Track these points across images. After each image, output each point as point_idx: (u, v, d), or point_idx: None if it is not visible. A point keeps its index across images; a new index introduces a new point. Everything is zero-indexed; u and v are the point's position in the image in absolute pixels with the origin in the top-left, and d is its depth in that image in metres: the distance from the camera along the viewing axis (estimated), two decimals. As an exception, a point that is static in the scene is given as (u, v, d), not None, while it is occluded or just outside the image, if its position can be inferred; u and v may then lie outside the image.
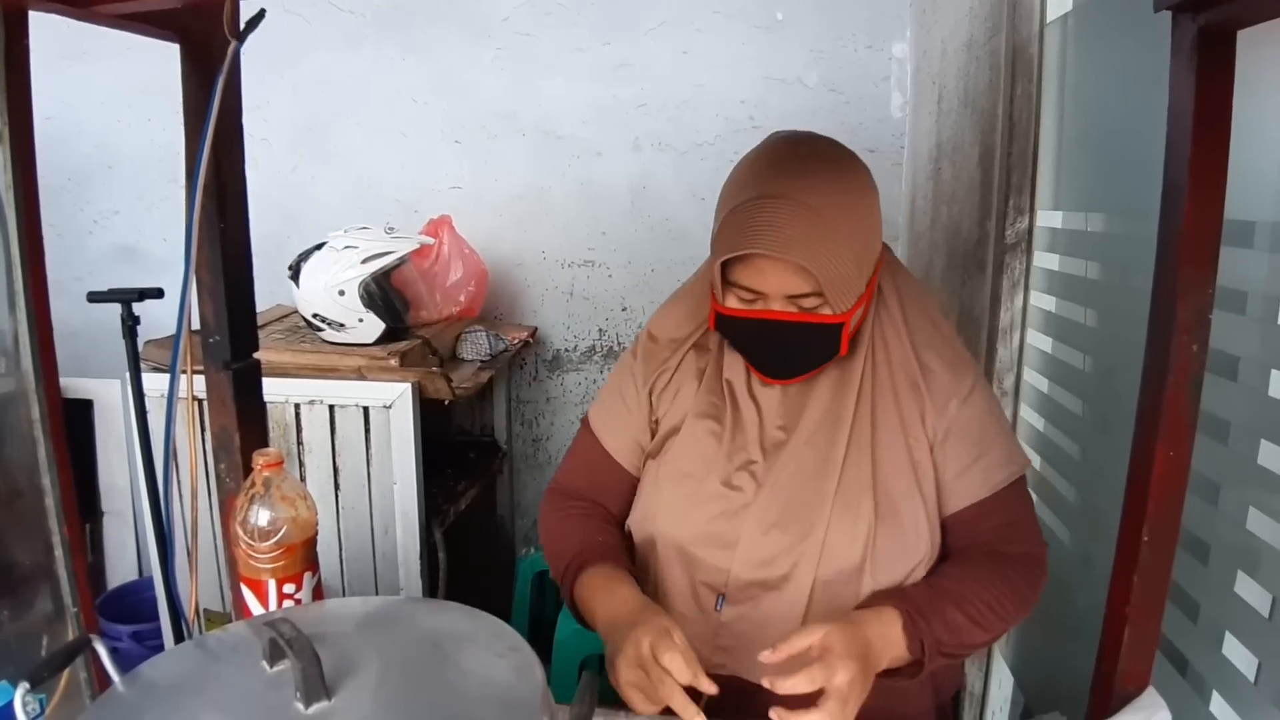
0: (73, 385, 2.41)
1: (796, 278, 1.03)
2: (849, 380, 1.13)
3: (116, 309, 1.77)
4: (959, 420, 1.11)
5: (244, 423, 1.21)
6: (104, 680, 0.71)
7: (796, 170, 1.05)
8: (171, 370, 1.12)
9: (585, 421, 1.29)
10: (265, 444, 1.24)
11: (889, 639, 0.99)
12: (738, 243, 1.02)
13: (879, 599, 1.04)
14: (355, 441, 2.21)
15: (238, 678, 0.67)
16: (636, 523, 1.22)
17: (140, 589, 2.66)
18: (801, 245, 0.99)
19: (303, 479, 2.23)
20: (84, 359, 2.38)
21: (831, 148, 1.10)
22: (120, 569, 2.78)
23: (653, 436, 1.22)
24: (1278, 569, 1.08)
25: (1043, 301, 1.80)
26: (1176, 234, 0.97)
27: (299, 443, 2.24)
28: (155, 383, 1.97)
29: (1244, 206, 1.13)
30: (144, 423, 1.82)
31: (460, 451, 2.69)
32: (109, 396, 2.66)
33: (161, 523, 1.52)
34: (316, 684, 0.62)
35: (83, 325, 2.11)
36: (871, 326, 1.15)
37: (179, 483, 1.67)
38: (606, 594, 1.09)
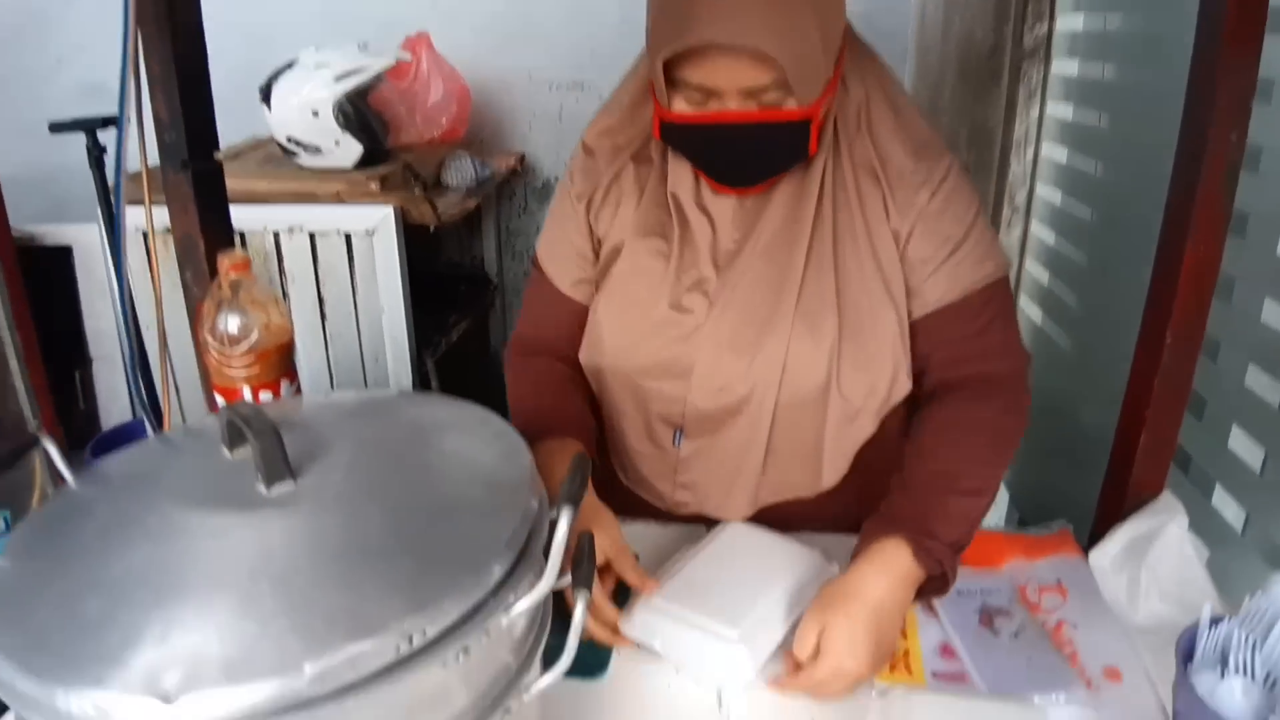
0: (49, 232, 2.29)
1: (755, 68, 0.86)
2: (809, 183, 0.99)
3: (89, 152, 1.69)
4: (927, 213, 0.97)
5: (207, 227, 1.13)
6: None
7: None
8: (117, 165, 1.03)
9: (534, 260, 1.15)
10: (231, 247, 1.17)
11: (902, 577, 0.87)
12: (681, 33, 0.85)
13: (874, 528, 0.91)
14: (339, 270, 2.13)
15: (196, 466, 0.62)
16: (585, 357, 1.11)
17: (133, 431, 2.62)
18: (759, 27, 0.83)
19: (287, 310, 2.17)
20: (60, 205, 2.26)
21: None
22: (114, 414, 2.74)
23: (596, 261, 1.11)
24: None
25: (1060, 111, 1.69)
26: (1219, 7, 0.87)
27: (281, 273, 2.17)
28: (128, 217, 1.88)
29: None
30: (118, 255, 1.75)
31: (450, 285, 2.61)
32: (87, 241, 2.54)
33: (131, 339, 1.46)
34: (278, 462, 0.56)
35: (57, 168, 1.99)
36: (835, 121, 0.99)
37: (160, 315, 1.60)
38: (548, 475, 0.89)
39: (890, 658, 0.86)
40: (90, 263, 2.56)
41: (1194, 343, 0.99)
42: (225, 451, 0.61)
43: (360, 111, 2.12)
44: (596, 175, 1.07)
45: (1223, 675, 0.72)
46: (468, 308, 2.53)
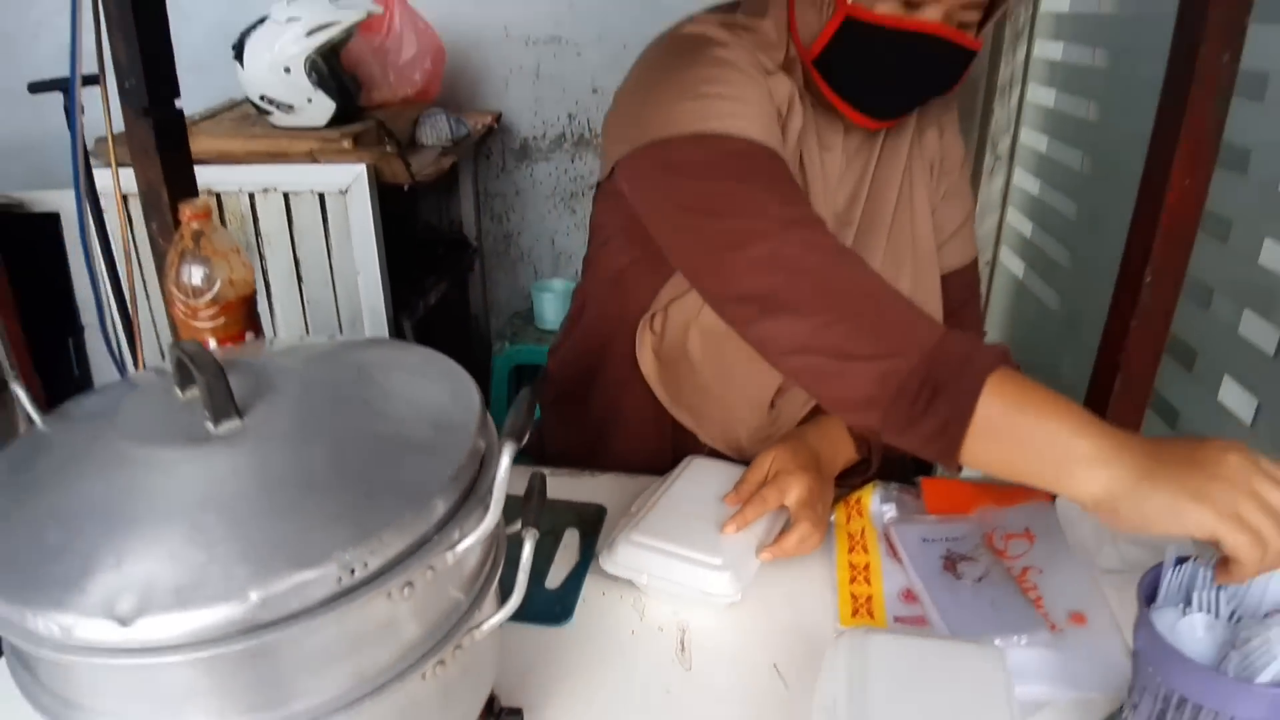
0: (36, 199, 2.27)
1: None
2: (902, 135, 1.01)
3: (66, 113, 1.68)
4: (949, 188, 1.05)
5: (170, 176, 1.11)
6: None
7: None
8: (70, 117, 1.00)
9: (725, 139, 0.83)
10: (195, 197, 1.14)
11: (835, 441, 0.98)
12: None
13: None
14: (314, 230, 2.11)
15: (150, 406, 0.60)
16: (679, 311, 0.98)
17: (121, 393, 2.63)
18: None
19: (263, 272, 2.15)
20: (45, 171, 2.23)
21: None
22: (105, 379, 2.73)
23: None
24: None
25: (1048, 50, 1.66)
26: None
27: (257, 234, 2.15)
28: (103, 179, 1.85)
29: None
30: (98, 212, 1.73)
31: (428, 248, 2.59)
32: (74, 208, 2.53)
33: (100, 297, 1.44)
34: (224, 400, 0.55)
35: (42, 135, 1.97)
36: None
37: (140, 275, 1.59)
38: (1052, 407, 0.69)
39: (829, 504, 0.96)
40: (77, 229, 2.54)
41: (1175, 282, 0.98)
42: (177, 392, 0.60)
43: (333, 68, 2.11)
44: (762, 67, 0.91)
45: (1185, 614, 0.71)
46: (446, 271, 2.51)
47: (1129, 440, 0.65)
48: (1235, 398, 1.12)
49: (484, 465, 0.57)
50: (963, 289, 1.07)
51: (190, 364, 0.55)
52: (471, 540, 0.53)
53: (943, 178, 1.05)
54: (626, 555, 0.88)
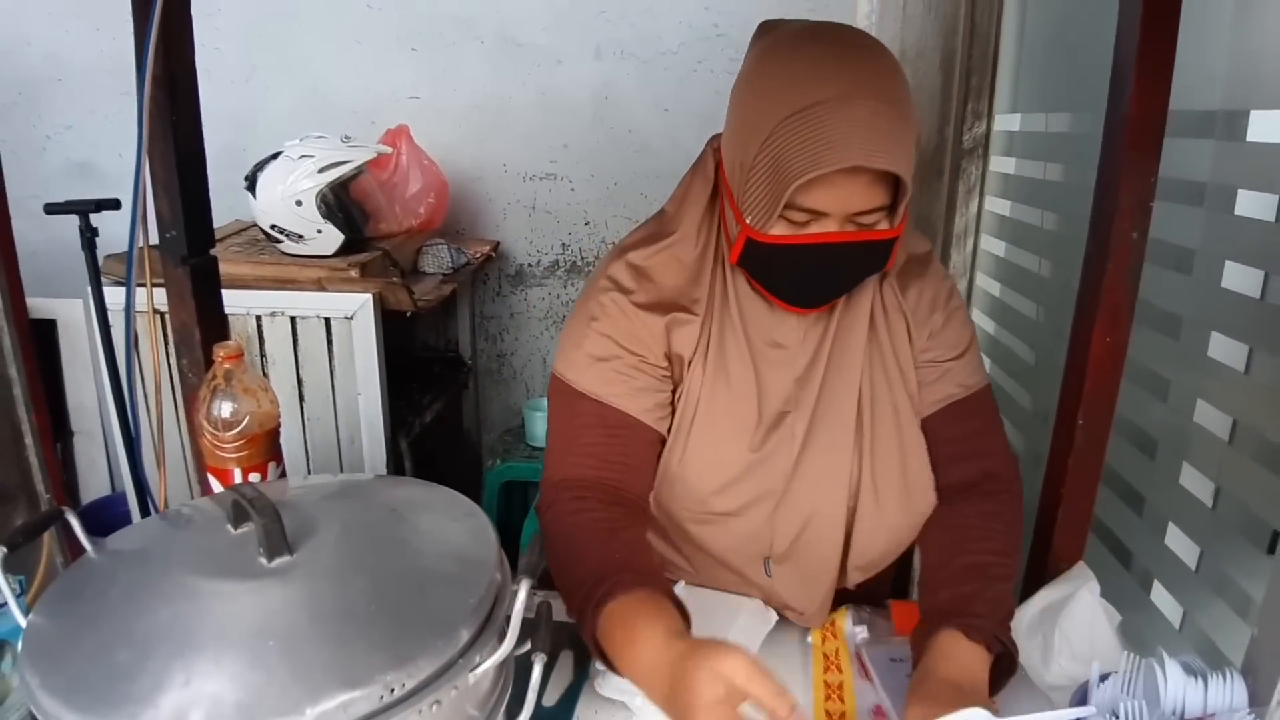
0: (35, 306, 2.35)
1: (875, 190, 0.89)
2: (860, 297, 1.04)
3: (75, 227, 1.76)
4: (936, 325, 1.06)
5: (204, 318, 1.22)
6: (77, 553, 0.73)
7: (860, 62, 0.88)
8: (128, 258, 1.12)
9: (564, 384, 1.06)
10: (225, 338, 1.25)
11: (966, 663, 0.88)
12: (820, 158, 0.84)
13: (919, 637, 0.94)
14: (318, 353, 2.21)
15: (204, 540, 0.69)
16: (655, 499, 1.10)
17: (113, 504, 2.67)
18: (893, 149, 0.85)
19: (266, 392, 2.23)
20: (45, 279, 2.33)
21: (861, 33, 0.94)
22: (93, 487, 2.78)
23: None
24: (1222, 460, 1.12)
25: (997, 206, 1.83)
26: (1121, 119, 0.99)
27: (262, 355, 2.24)
28: (116, 296, 1.94)
29: (1194, 97, 1.16)
30: (107, 335, 1.82)
31: (425, 366, 2.70)
32: (72, 315, 2.62)
33: (126, 417, 1.52)
34: (278, 539, 0.64)
35: (41, 244, 2.07)
36: None
37: (144, 392, 1.67)
38: (644, 631, 0.84)
39: None
40: (73, 337, 2.63)
41: (1104, 423, 1.09)
42: (229, 528, 0.69)
43: (342, 201, 2.22)
44: (658, 290, 1.05)
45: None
46: (442, 389, 2.60)
47: (656, 689, 0.80)
48: (1180, 544, 1.20)
49: (499, 595, 0.67)
50: (977, 416, 1.07)
51: (249, 506, 0.65)
52: (490, 664, 0.62)
53: (927, 321, 1.06)
54: (619, 679, 0.91)
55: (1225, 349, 1.12)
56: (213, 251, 1.26)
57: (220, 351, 1.09)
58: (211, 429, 1.09)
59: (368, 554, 0.66)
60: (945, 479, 1.07)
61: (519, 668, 0.70)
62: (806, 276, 0.97)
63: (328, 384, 2.23)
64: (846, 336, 1.05)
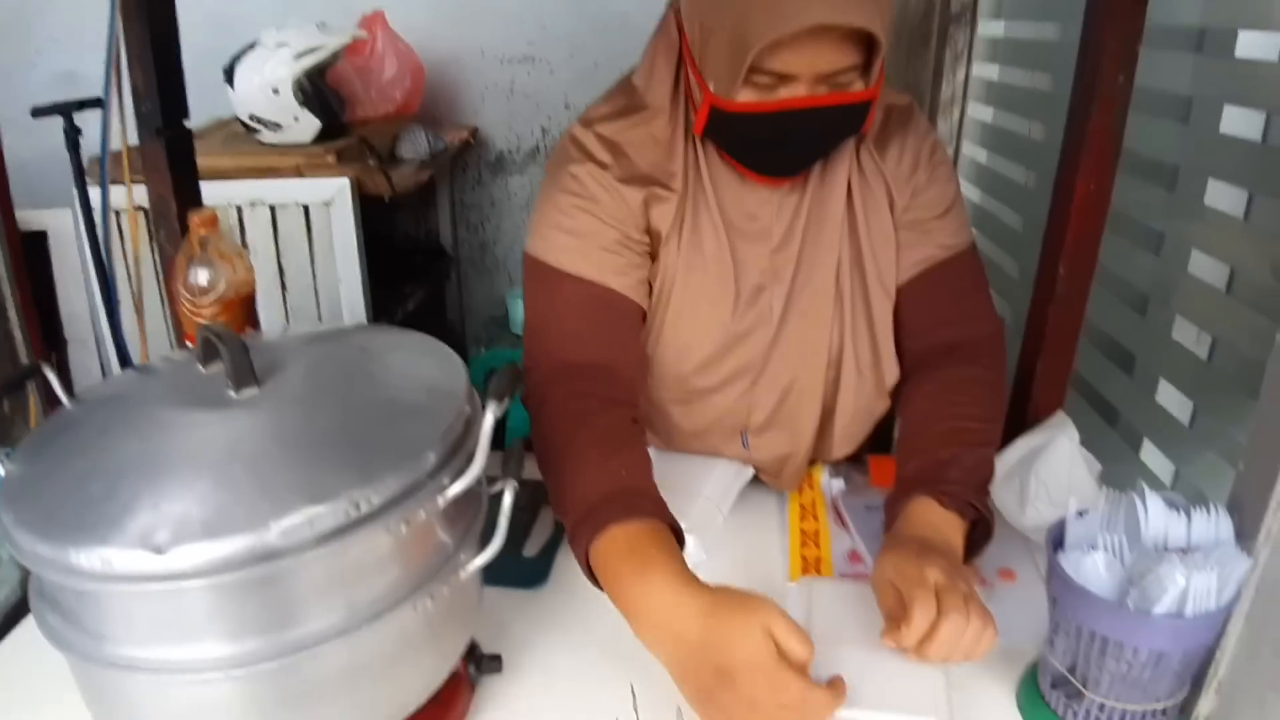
0: (25, 219, 2.32)
1: (844, 50, 0.84)
2: (836, 165, 1.00)
3: (63, 140, 1.76)
4: (919, 185, 1.02)
5: (179, 189, 1.21)
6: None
7: None
8: (103, 117, 1.08)
9: (538, 262, 1.01)
10: (200, 207, 1.23)
11: (939, 525, 0.86)
12: (783, 18, 0.80)
13: (892, 503, 0.91)
14: (298, 241, 2.19)
15: (175, 380, 0.69)
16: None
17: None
18: (862, 4, 0.81)
19: (249, 283, 2.22)
20: (35, 191, 2.30)
21: None
22: (90, 391, 2.79)
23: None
24: (1215, 314, 1.11)
25: (985, 71, 1.78)
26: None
27: (244, 246, 2.22)
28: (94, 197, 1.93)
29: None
30: (92, 232, 1.81)
31: (406, 258, 2.68)
32: (62, 226, 2.59)
33: (106, 284, 1.52)
34: (245, 370, 0.64)
35: (31, 157, 2.03)
36: None
37: (130, 282, 1.67)
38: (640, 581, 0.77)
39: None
40: (64, 247, 2.60)
41: (1085, 273, 1.08)
42: (199, 367, 0.69)
43: (318, 88, 2.18)
44: (633, 166, 0.99)
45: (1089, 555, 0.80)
46: (424, 279, 2.59)
47: (669, 644, 0.74)
48: (1172, 400, 1.20)
49: (469, 428, 0.66)
50: (962, 277, 1.04)
51: (216, 340, 0.64)
52: (460, 487, 0.62)
53: (909, 181, 1.02)
54: None
55: (1223, 195, 1.10)
56: (186, 122, 1.23)
57: (195, 218, 1.08)
58: (188, 295, 1.09)
59: (336, 386, 0.66)
60: (927, 343, 1.04)
61: (493, 507, 0.70)
62: (777, 144, 0.93)
63: (309, 273, 2.21)
64: (822, 207, 1.01)
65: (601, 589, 0.80)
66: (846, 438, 1.09)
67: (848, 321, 1.03)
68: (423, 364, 0.71)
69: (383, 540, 0.59)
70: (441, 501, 0.61)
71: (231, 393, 0.64)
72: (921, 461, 0.92)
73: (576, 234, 0.98)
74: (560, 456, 0.88)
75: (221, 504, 0.55)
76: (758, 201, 1.01)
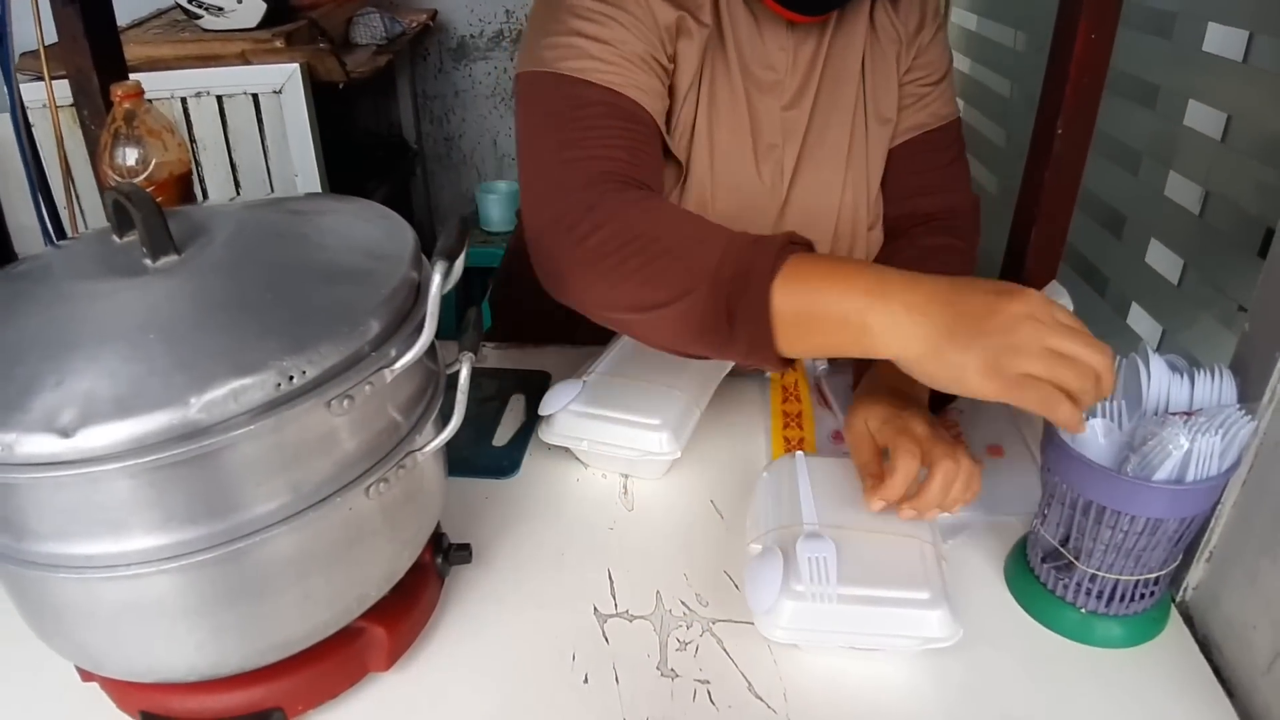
0: None
1: None
2: (854, 18, 0.97)
3: None
4: (923, 46, 1.00)
5: (99, 60, 1.09)
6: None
7: None
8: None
9: (553, 76, 0.85)
10: (124, 79, 1.13)
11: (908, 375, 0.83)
12: None
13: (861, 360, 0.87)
14: (249, 133, 2.07)
15: (87, 252, 0.62)
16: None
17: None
18: None
19: (200, 179, 2.11)
20: None
21: None
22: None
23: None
24: (1210, 162, 1.06)
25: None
26: None
27: (191, 140, 2.10)
28: (33, 93, 1.80)
29: None
30: (27, 128, 1.69)
31: (368, 153, 2.56)
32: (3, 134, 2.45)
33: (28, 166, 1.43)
34: (161, 235, 0.56)
35: None
36: None
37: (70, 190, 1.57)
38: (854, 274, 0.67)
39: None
40: (6, 156, 2.47)
41: (1085, 131, 1.02)
42: (114, 238, 0.61)
43: (261, -35, 2.04)
44: None
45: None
46: (387, 175, 2.48)
47: (923, 300, 0.63)
48: (1162, 258, 1.17)
49: (418, 295, 0.60)
50: (946, 149, 1.03)
51: (128, 203, 0.57)
52: (408, 358, 0.56)
53: (915, 39, 1.00)
54: (565, 424, 0.89)
55: (1221, 39, 1.04)
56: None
57: (119, 90, 0.98)
58: (118, 178, 1.00)
59: (266, 250, 0.59)
60: (907, 209, 1.03)
61: (451, 385, 0.64)
62: None
63: (262, 167, 2.10)
64: (838, 63, 0.97)
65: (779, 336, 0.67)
66: None
67: (854, 185, 1.00)
68: (365, 229, 0.64)
69: (323, 417, 0.52)
70: (389, 375, 0.55)
71: (147, 261, 0.56)
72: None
73: (601, 40, 0.83)
74: (661, 232, 0.73)
75: (135, 378, 0.48)
76: (776, 47, 0.95)
